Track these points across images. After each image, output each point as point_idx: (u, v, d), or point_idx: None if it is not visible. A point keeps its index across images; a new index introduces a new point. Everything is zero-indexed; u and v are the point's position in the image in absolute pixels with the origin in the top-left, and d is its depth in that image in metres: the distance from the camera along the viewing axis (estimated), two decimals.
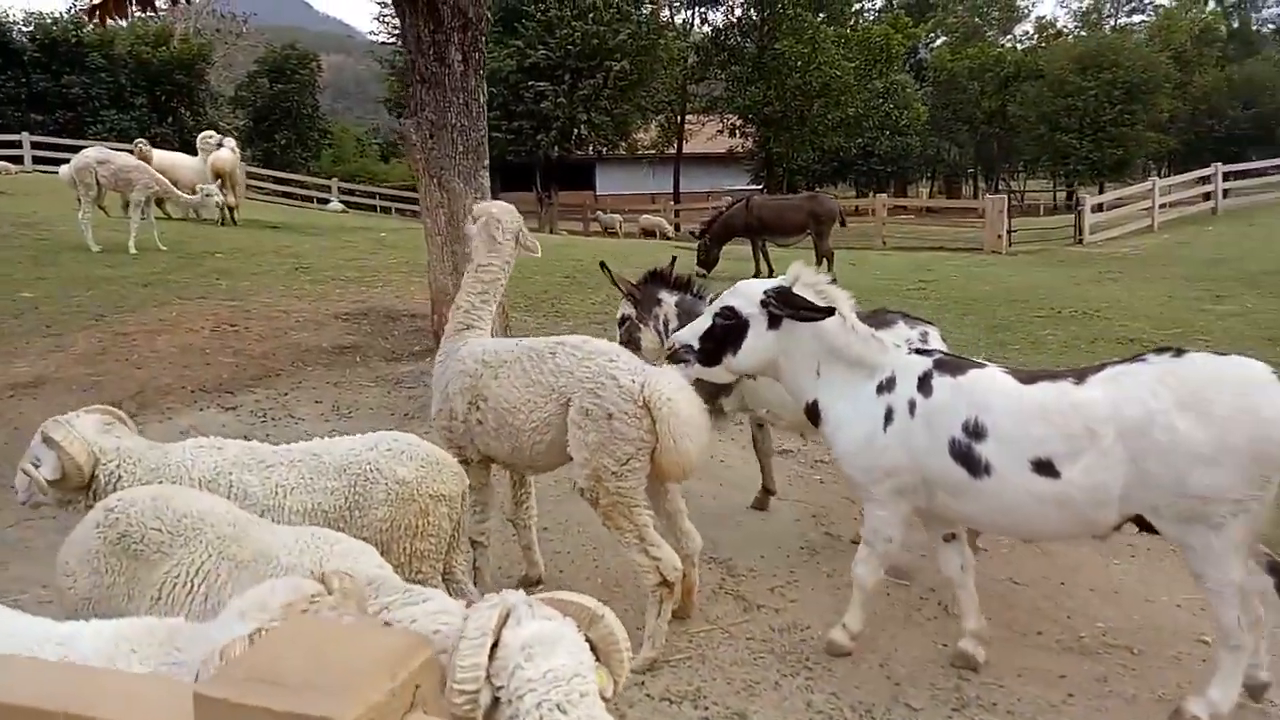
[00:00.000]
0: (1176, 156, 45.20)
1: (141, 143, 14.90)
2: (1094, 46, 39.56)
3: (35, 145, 23.80)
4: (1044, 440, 2.99)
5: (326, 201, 27.16)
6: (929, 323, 4.74)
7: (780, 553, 4.59)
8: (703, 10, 38.21)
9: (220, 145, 14.76)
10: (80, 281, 9.23)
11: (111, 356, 7.11)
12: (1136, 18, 52.00)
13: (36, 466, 2.90)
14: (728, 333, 3.39)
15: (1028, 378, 3.17)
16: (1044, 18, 56.28)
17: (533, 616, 1.61)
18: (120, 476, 2.92)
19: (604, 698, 1.61)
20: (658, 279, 4.94)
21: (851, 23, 37.00)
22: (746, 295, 3.39)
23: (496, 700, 1.54)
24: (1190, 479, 2.79)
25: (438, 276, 6.44)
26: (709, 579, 4.21)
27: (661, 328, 4.82)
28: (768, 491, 5.25)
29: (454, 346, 3.87)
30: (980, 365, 3.31)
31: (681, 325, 4.43)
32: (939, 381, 3.22)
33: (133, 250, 10.73)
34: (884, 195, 26.76)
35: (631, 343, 4.83)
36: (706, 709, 3.28)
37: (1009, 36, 53.32)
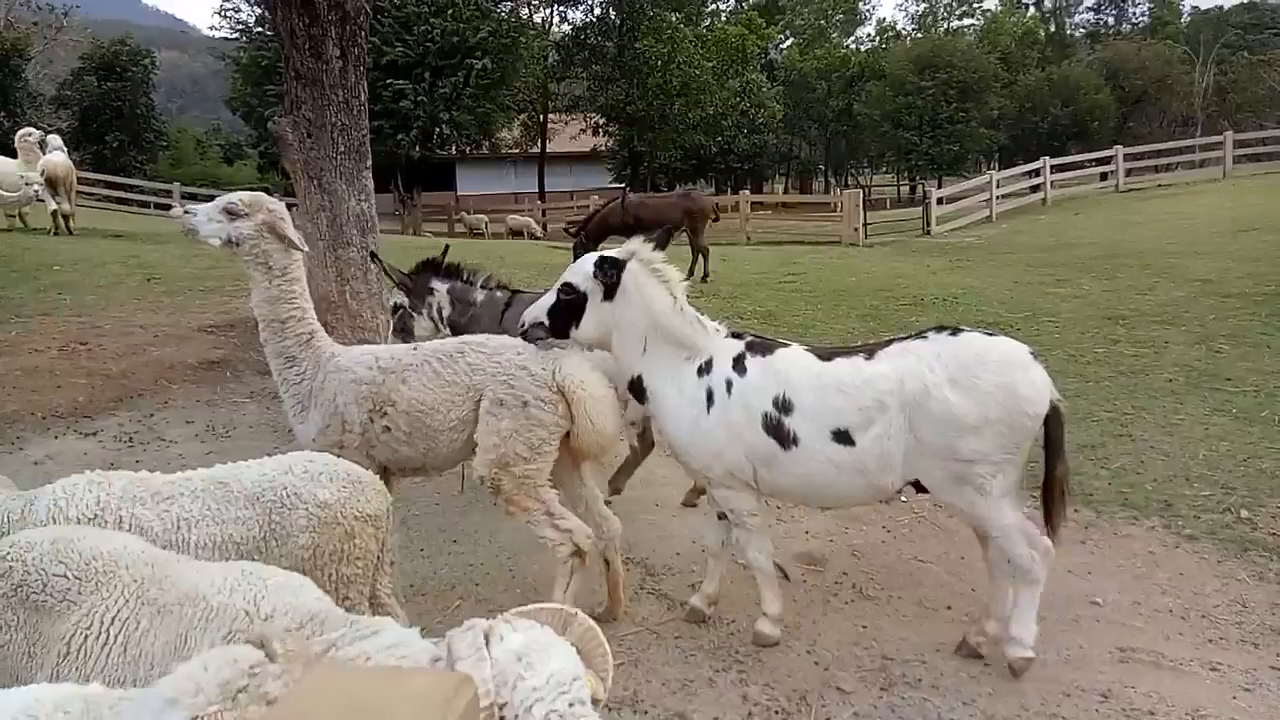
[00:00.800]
0: (1005, 152, 48.65)
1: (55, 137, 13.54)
2: (929, 48, 42.00)
3: None
4: (841, 411, 3.26)
5: (167, 207, 25.39)
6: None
7: (694, 548, 4.60)
8: (561, 9, 38.16)
9: (44, 145, 13.46)
10: None
11: None
12: (967, 21, 55.60)
13: None
14: (570, 307, 3.54)
15: (827, 354, 3.44)
16: (884, 20, 59.16)
17: (514, 629, 1.54)
18: None
19: (596, 701, 1.55)
20: (430, 268, 5.15)
21: (707, 23, 37.79)
22: (582, 271, 3.53)
23: None
24: (958, 445, 3.14)
25: (320, 284, 6.12)
26: (629, 580, 4.18)
27: (436, 315, 5.08)
28: (699, 491, 5.22)
29: (319, 358, 3.77)
30: (785, 344, 3.53)
31: (456, 313, 5.07)
32: (751, 361, 3.44)
33: None
34: (746, 192, 27.43)
35: (405, 330, 5.09)
36: (646, 712, 3.26)
37: (852, 38, 55.89)
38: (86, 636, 2.09)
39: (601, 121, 37.21)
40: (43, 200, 13.23)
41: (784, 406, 3.34)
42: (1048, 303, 10.35)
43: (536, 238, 26.22)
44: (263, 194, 3.80)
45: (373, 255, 5.47)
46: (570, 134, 39.31)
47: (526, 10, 35.71)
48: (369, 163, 6.23)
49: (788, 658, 3.61)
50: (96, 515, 2.65)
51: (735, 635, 3.77)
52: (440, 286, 5.10)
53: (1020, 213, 22.09)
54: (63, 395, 6.33)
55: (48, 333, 7.51)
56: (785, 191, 54.05)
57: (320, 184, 5.97)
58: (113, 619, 2.10)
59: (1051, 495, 3.36)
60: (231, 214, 3.61)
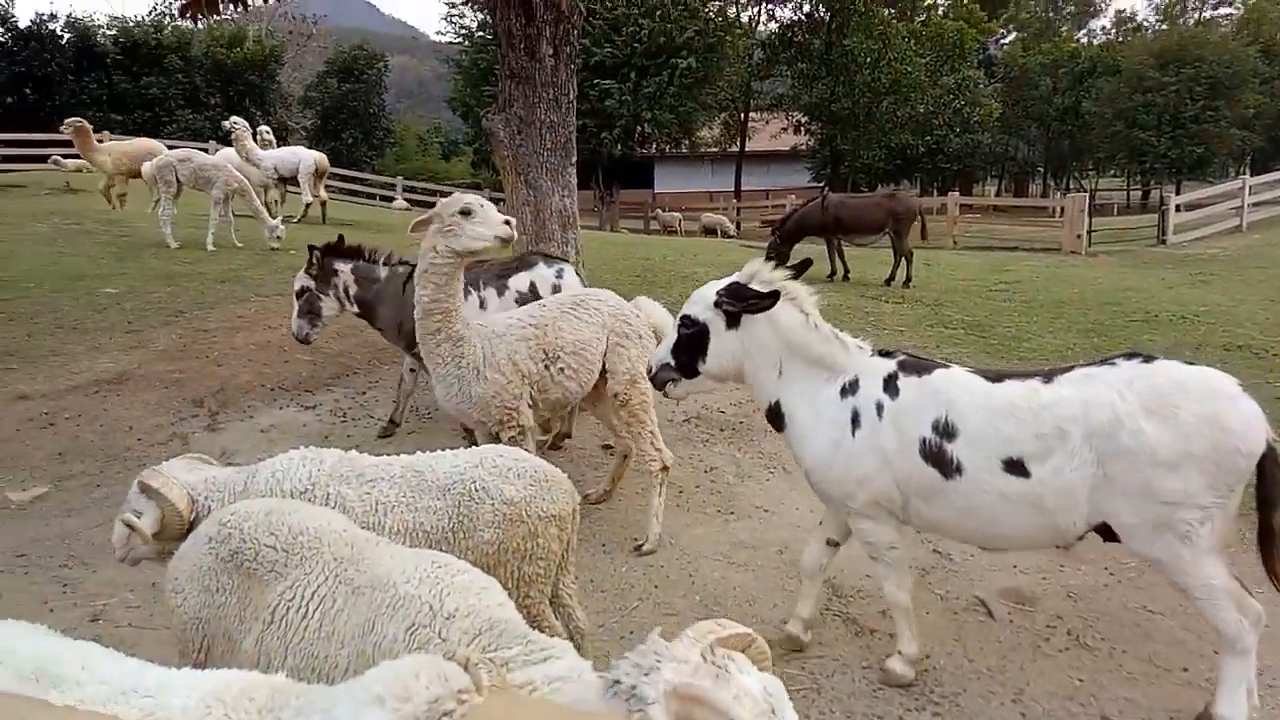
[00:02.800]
0: (1260, 154, 43.28)
1: (264, 130, 15.06)
2: (1175, 41, 38.05)
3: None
4: (1014, 439, 2.94)
5: (390, 199, 27.43)
6: (565, 260, 5.74)
7: None
8: (770, 7, 37.60)
9: (255, 136, 14.47)
10: (160, 278, 9.33)
11: (192, 353, 7.13)
12: (1223, 10, 49.97)
13: (138, 518, 2.77)
14: (692, 341, 3.35)
15: (995, 376, 3.12)
16: (1123, 11, 54.23)
17: (738, 668, 1.39)
18: (211, 508, 2.79)
19: None
20: (332, 251, 5.46)
21: (922, 18, 36.05)
22: (701, 300, 3.34)
23: None
24: (1156, 484, 2.78)
25: None
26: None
27: (343, 294, 5.45)
28: (393, 423, 5.97)
29: (476, 334, 4.23)
30: (945, 365, 3.24)
31: (362, 290, 5.44)
32: (905, 382, 3.15)
33: (210, 247, 10.84)
34: (955, 193, 25.99)
35: (312, 312, 5.45)
36: None
37: (1084, 31, 51.67)
38: (289, 608, 2.17)
39: (804, 120, 36.47)
40: (285, 187, 14.52)
41: (946, 431, 3.02)
42: None
43: (730, 236, 26.08)
44: (455, 195, 4.31)
45: (310, 248, 5.53)
46: (770, 133, 38.81)
47: (734, 9, 35.57)
48: (574, 160, 6.32)
49: (989, 705, 3.28)
50: (308, 490, 2.78)
51: (929, 672, 3.47)
52: (344, 267, 5.45)
53: (1278, 223, 19.52)
54: (289, 370, 6.89)
55: (280, 311, 8.19)
56: (998, 194, 50.91)
57: (527, 179, 6.12)
58: (312, 594, 2.17)
59: (1271, 549, 2.89)
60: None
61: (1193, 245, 17.74)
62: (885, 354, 3.32)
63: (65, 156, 19.69)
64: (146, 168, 11.37)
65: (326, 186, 16.03)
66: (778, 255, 12.49)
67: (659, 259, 13.08)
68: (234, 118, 13.40)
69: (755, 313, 3.21)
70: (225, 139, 13.19)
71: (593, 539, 4.55)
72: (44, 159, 21.97)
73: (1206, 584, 2.82)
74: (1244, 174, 23.70)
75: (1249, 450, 2.76)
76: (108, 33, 32.79)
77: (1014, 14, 49.57)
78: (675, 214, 29.29)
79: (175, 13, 31.39)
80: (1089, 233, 18.51)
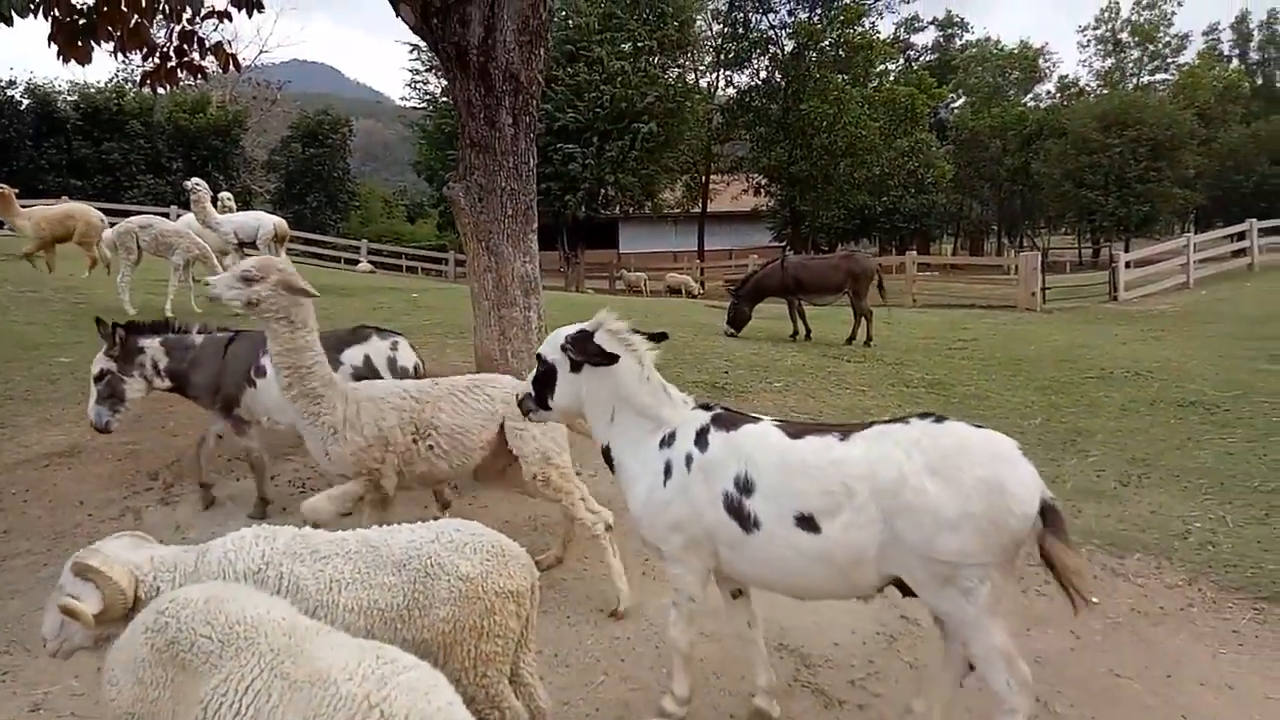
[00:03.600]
0: (1202, 213, 44.91)
1: (225, 195, 14.93)
2: (1117, 105, 39.66)
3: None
4: (805, 494, 3.03)
5: (355, 262, 27.40)
6: (398, 334, 5.71)
7: (855, 639, 4.27)
8: (728, 73, 38.70)
9: (215, 199, 14.32)
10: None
11: (147, 424, 6.96)
12: (1159, 76, 52.29)
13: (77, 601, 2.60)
14: (544, 378, 3.57)
15: (796, 432, 3.21)
16: (1066, 77, 56.27)
17: None
18: (159, 589, 2.67)
19: None
20: (135, 329, 5.39)
21: (875, 84, 37.28)
22: (552, 342, 3.53)
23: None
24: (936, 542, 2.86)
25: (484, 341, 6.27)
26: (782, 670, 3.90)
27: (150, 372, 5.37)
28: (264, 501, 5.72)
29: (344, 392, 4.30)
30: (755, 420, 3.33)
31: (173, 361, 5.40)
32: (714, 436, 3.27)
33: (169, 313, 10.69)
34: (913, 252, 26.56)
35: (115, 395, 5.28)
36: None
37: (1030, 95, 53.66)
38: (222, 703, 2.08)
39: (763, 182, 37.35)
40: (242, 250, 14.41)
41: (745, 486, 3.14)
42: (1264, 381, 9.25)
43: (694, 296, 26.34)
44: (271, 257, 4.28)
45: (97, 320, 5.42)
46: (732, 194, 39.63)
47: (693, 75, 36.49)
48: (535, 225, 6.36)
49: None
50: (261, 569, 2.69)
51: None
52: (151, 341, 5.39)
53: (1222, 279, 20.19)
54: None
55: None
56: (954, 252, 52.10)
57: (488, 246, 6.14)
58: (247, 688, 2.09)
59: (1069, 588, 2.94)
60: (248, 280, 3.96)
61: (1143, 301, 18.25)
62: (705, 407, 3.44)
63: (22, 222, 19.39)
64: (107, 234, 11.25)
65: (289, 250, 15.93)
66: (738, 314, 12.66)
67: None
68: (194, 180, 13.29)
69: (594, 365, 3.38)
70: (187, 204, 13.06)
71: (556, 610, 4.46)
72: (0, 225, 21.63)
73: (986, 643, 2.89)
74: (1188, 231, 24.53)
75: (1022, 513, 2.85)
76: (68, 98, 32.76)
77: (963, 79, 51.45)
78: (640, 274, 29.59)
79: (135, 81, 31.50)
80: (1043, 290, 18.98)
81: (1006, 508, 2.83)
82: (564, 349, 3.41)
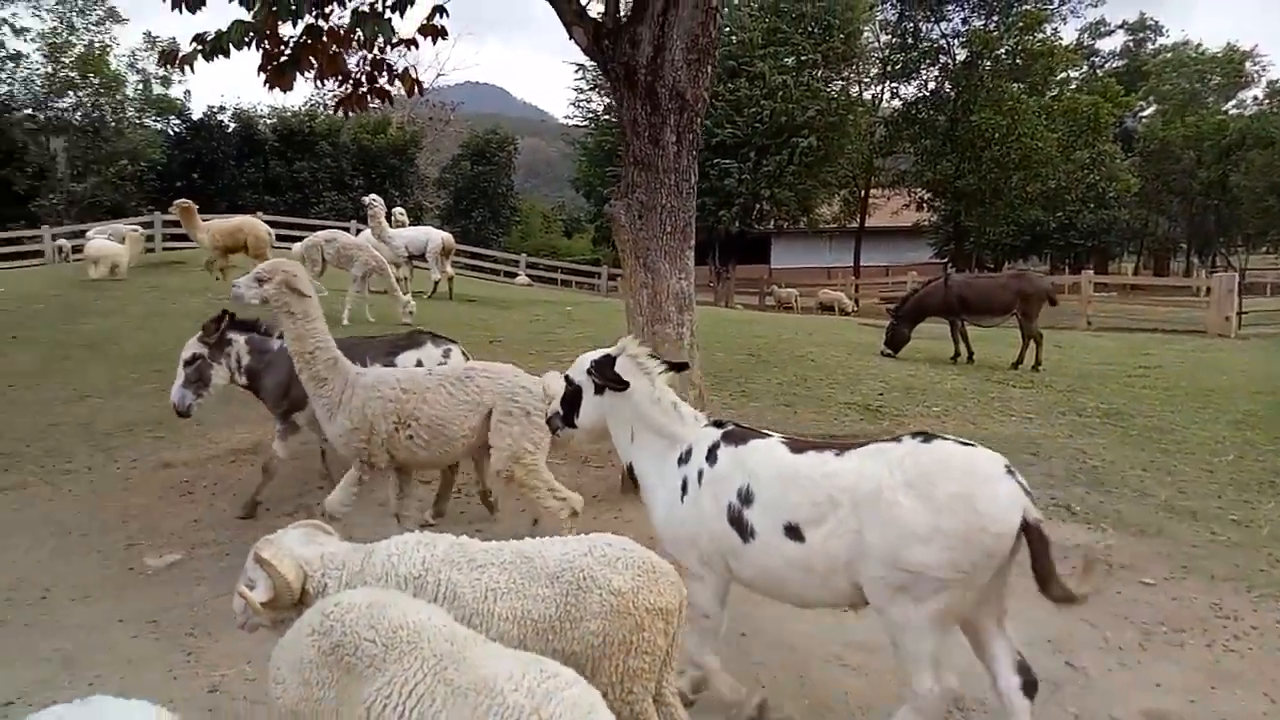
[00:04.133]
0: None
1: (399, 211, 16.01)
2: None
3: (269, 224, 26.23)
4: (796, 505, 3.15)
5: (514, 275, 28.44)
6: (452, 341, 6.06)
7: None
8: (894, 85, 37.52)
9: (390, 215, 15.24)
10: None
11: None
12: None
13: (251, 588, 2.83)
14: (572, 399, 3.77)
15: (798, 447, 3.33)
16: (1276, 82, 50.71)
17: None
18: (327, 585, 2.82)
19: None
20: (230, 321, 5.79)
21: (1054, 93, 35.08)
22: (579, 365, 3.74)
23: None
24: (903, 553, 2.92)
25: None
26: None
27: (234, 365, 5.77)
28: (255, 503, 5.94)
29: (345, 377, 4.71)
30: (764, 435, 3.46)
31: (254, 360, 5.83)
32: (723, 451, 3.41)
33: (345, 322, 11.44)
34: (1089, 271, 24.80)
35: (201, 380, 5.66)
36: None
37: (1232, 102, 49.06)
38: (385, 705, 2.14)
39: (927, 196, 35.93)
40: (413, 265, 15.30)
41: (746, 498, 3.28)
42: None
43: (848, 313, 25.70)
44: (282, 259, 4.82)
45: (223, 313, 5.82)
46: (892, 209, 38.38)
47: (857, 88, 35.65)
48: (692, 242, 6.36)
49: None
50: (421, 574, 2.78)
51: None
52: (239, 338, 5.79)
53: None
54: None
55: None
56: (1136, 272, 48.39)
57: (645, 263, 6.19)
58: (410, 691, 2.13)
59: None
60: (260, 280, 4.59)
61: None
62: (718, 424, 3.59)
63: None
64: (296, 247, 12.19)
65: (454, 263, 16.75)
66: (895, 334, 12.21)
67: (773, 337, 12.98)
68: (371, 196, 14.21)
69: (612, 390, 3.59)
70: (366, 219, 14.01)
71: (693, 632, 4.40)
72: None
73: (917, 647, 2.97)
74: None
75: (997, 531, 2.88)
76: (267, 122, 35.84)
77: (1154, 86, 47.69)
78: (792, 290, 29.16)
79: (329, 105, 33.80)
80: (1239, 314, 17.31)
81: (979, 525, 2.87)
82: (589, 373, 3.64)
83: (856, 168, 35.19)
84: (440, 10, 7.66)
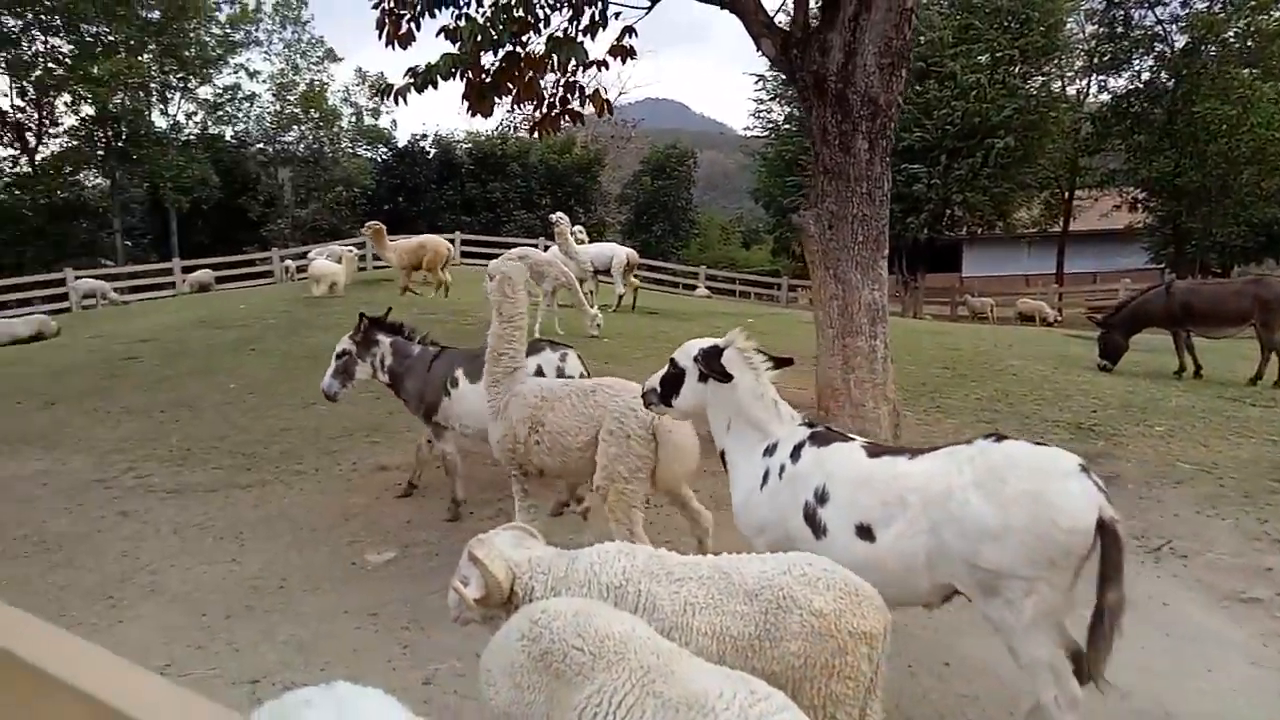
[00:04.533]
0: None
1: (579, 229, 16.79)
2: None
3: (464, 242, 28.09)
4: (867, 506, 3.26)
5: (693, 287, 28.67)
6: (569, 346, 6.34)
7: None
8: (1101, 78, 34.74)
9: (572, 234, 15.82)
10: None
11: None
12: None
13: (464, 584, 2.96)
14: (673, 381, 3.93)
15: (874, 452, 3.43)
16: None
17: None
18: (533, 588, 2.92)
19: None
20: (376, 324, 6.29)
21: None
22: (686, 351, 3.89)
23: None
24: (980, 552, 2.99)
25: (826, 369, 6.18)
26: None
27: (378, 363, 6.26)
28: (456, 502, 6.28)
29: (512, 385, 4.90)
30: (846, 439, 3.58)
31: (396, 363, 6.26)
32: (807, 451, 3.54)
33: (536, 334, 11.93)
34: None
35: (346, 373, 6.22)
36: None
37: None
38: (596, 713, 2.17)
39: (1140, 196, 32.92)
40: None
41: (821, 497, 3.41)
42: None
43: (1050, 324, 24.00)
44: (513, 263, 5.02)
45: (361, 316, 6.32)
46: (1100, 211, 35.47)
47: (1059, 83, 33.32)
48: (885, 252, 6.16)
49: None
50: (622, 584, 2.82)
51: None
52: (385, 339, 6.26)
53: None
54: None
55: None
56: None
57: (835, 273, 6.06)
58: (619, 702, 2.16)
59: (1098, 629, 2.95)
60: (490, 276, 4.97)
61: None
62: (809, 424, 3.72)
63: None
64: (493, 264, 12.82)
65: (635, 276, 17.13)
66: (1109, 345, 11.22)
67: (970, 349, 12.31)
68: (558, 214, 14.80)
69: (716, 379, 3.74)
70: (553, 236, 14.63)
71: (898, 657, 4.20)
72: None
73: (1031, 655, 2.99)
74: None
75: (1069, 527, 2.88)
76: (464, 147, 38.19)
77: None
78: (986, 299, 27.60)
79: (522, 128, 35.49)
80: None
81: (1051, 520, 2.89)
82: (695, 360, 3.81)
83: (1059, 168, 32.79)
84: (629, 31, 7.90)
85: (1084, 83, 35.42)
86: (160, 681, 1.12)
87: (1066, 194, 35.16)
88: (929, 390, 9.57)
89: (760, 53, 6.68)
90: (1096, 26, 33.41)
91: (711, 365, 3.73)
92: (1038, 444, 3.13)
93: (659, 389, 3.99)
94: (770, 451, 3.64)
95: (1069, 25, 31.73)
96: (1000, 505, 2.96)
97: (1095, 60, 33.64)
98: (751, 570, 2.83)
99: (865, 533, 3.25)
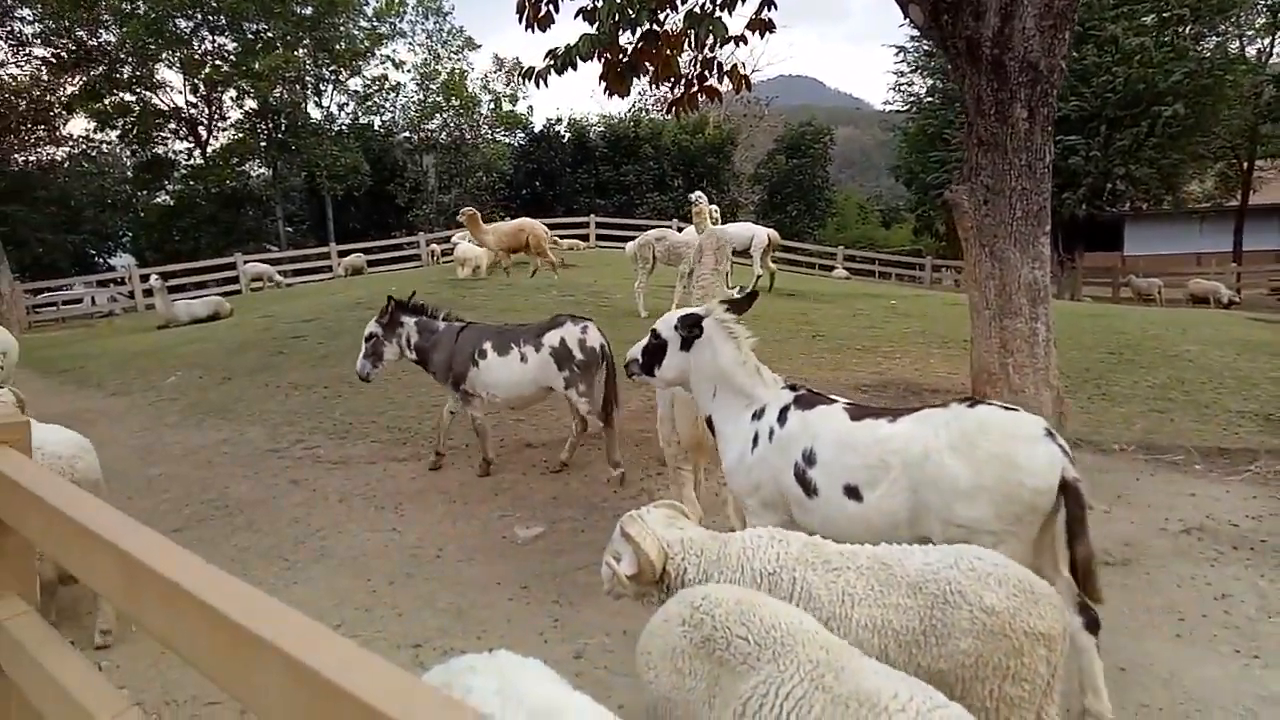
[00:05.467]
0: None
1: (713, 209, 16.82)
2: None
3: (599, 225, 28.46)
4: (853, 468, 3.47)
5: (830, 268, 27.98)
6: (588, 319, 6.73)
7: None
8: None
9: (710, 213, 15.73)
10: (630, 344, 10.45)
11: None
12: None
13: (617, 560, 2.98)
14: (655, 350, 4.15)
15: (857, 413, 3.62)
16: None
17: None
18: (685, 569, 2.90)
19: None
20: (401, 306, 6.75)
21: None
22: (666, 322, 4.12)
23: None
24: (954, 508, 3.23)
25: (982, 353, 5.88)
26: None
27: (404, 344, 6.73)
28: (439, 455, 7.01)
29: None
30: (830, 401, 3.74)
31: (422, 340, 6.73)
32: (793, 414, 3.72)
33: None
34: None
35: (376, 354, 6.69)
36: None
37: None
38: (763, 704, 2.14)
39: None
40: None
41: (810, 459, 3.59)
42: None
43: (1227, 305, 22.06)
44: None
45: (388, 298, 6.72)
46: None
47: (1236, 43, 30.39)
48: (1047, 228, 5.78)
49: None
50: (775, 571, 2.77)
51: None
52: (409, 320, 6.72)
53: None
54: None
55: None
56: None
57: (992, 251, 5.74)
58: (787, 694, 2.12)
59: (1080, 577, 3.19)
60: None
61: None
62: (792, 388, 3.87)
63: (561, 237, 23.47)
64: (630, 246, 12.94)
65: (773, 258, 16.86)
66: None
67: (1138, 333, 11.48)
68: (697, 194, 14.74)
69: (692, 341, 3.98)
70: (686, 218, 14.62)
71: (1069, 660, 3.98)
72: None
73: None
74: None
75: (1035, 486, 3.14)
76: (597, 130, 38.61)
77: None
78: (1153, 280, 25.63)
79: (659, 109, 35.55)
80: None
81: (1018, 480, 3.15)
82: (676, 329, 4.02)
83: (1236, 136, 29.92)
84: (769, 3, 7.71)
85: (1266, 41, 32.15)
86: (346, 644, 1.17)
87: (1245, 164, 32.12)
88: (1093, 377, 8.98)
89: (908, 20, 6.39)
90: None
91: (692, 330, 3.98)
92: (1007, 409, 3.37)
93: (640, 359, 4.22)
94: (759, 415, 3.83)
95: None
96: (973, 466, 3.20)
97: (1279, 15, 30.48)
98: (914, 562, 2.72)
99: (853, 493, 3.46)
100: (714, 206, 16.85)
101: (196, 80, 35.61)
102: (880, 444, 3.43)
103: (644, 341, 4.24)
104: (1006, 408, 3.37)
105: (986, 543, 3.00)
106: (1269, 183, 32.79)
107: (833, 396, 3.83)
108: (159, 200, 37.90)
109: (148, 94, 35.49)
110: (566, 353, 6.51)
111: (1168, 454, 6.69)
